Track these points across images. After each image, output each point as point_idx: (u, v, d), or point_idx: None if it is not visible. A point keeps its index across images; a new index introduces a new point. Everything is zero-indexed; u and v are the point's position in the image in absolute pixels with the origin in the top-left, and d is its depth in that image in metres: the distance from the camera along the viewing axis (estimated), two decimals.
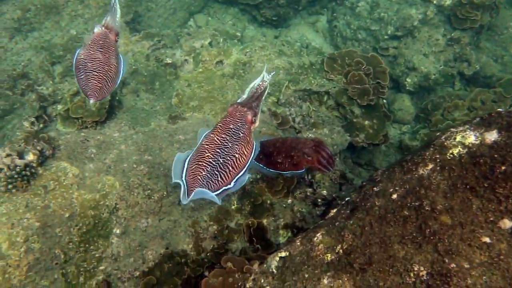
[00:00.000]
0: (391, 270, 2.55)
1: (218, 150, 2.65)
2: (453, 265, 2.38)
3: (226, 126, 2.74)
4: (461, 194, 2.55)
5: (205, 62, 5.49)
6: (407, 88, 6.20)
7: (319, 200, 4.31)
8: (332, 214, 3.21)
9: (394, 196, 2.83)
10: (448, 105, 5.57)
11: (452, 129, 2.81)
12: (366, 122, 5.33)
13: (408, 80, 6.17)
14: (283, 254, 3.11)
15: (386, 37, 6.36)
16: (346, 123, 5.38)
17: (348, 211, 3.03)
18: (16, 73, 5.55)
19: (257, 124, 2.86)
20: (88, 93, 2.92)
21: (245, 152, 2.76)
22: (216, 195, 2.60)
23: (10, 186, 3.72)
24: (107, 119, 4.62)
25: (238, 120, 2.75)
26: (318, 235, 2.99)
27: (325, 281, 2.72)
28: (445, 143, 2.76)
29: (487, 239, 2.37)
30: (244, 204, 4.12)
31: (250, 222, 3.95)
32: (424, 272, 2.45)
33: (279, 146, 3.57)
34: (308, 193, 4.31)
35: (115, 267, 3.75)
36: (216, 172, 2.62)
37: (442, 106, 5.70)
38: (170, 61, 5.47)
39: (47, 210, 3.74)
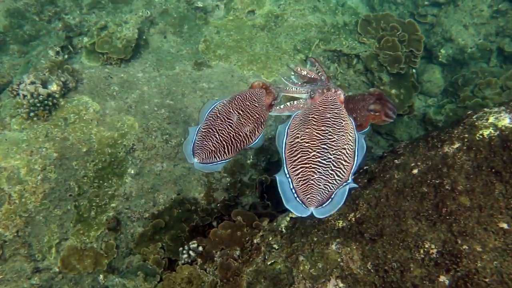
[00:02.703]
0: (401, 244, 2.53)
1: (324, 146, 2.27)
2: (465, 246, 2.35)
3: (322, 116, 2.36)
4: (484, 177, 2.48)
5: (237, 10, 5.33)
6: (440, 59, 5.96)
7: None
8: None
9: (415, 171, 2.77)
10: (480, 81, 5.34)
11: (486, 109, 2.70)
12: (393, 91, 5.19)
13: (442, 51, 5.92)
14: (294, 214, 3.11)
15: (426, 2, 6.06)
16: None
17: (365, 180, 2.99)
18: None
19: None
20: (196, 151, 2.49)
21: (351, 139, 2.37)
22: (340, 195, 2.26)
23: (32, 114, 3.74)
24: (132, 57, 4.56)
25: (333, 107, 2.39)
26: None
27: (334, 246, 2.72)
28: (476, 123, 2.67)
29: (504, 225, 2.32)
30: (260, 160, 4.11)
31: (263, 178, 3.95)
32: (435, 250, 2.43)
33: None
34: None
35: (126, 206, 3.81)
36: (331, 172, 2.26)
37: (474, 82, 5.48)
38: (201, 5, 5.32)
39: (65, 142, 3.77)
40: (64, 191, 3.68)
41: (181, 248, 3.35)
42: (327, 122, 2.34)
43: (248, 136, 2.58)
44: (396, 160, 2.94)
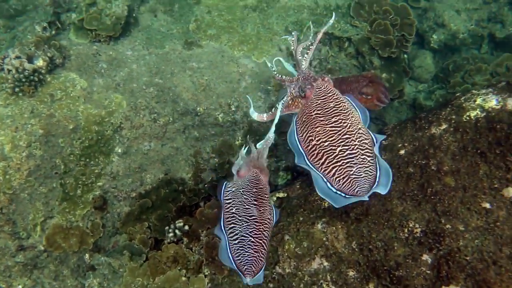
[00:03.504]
0: (386, 223, 2.54)
1: (345, 136, 2.23)
2: (448, 226, 2.37)
3: (326, 109, 2.30)
4: (470, 158, 2.50)
5: None
6: (432, 45, 5.94)
7: None
8: None
9: (402, 151, 2.78)
10: (471, 67, 5.35)
11: (473, 91, 2.70)
12: (384, 75, 5.17)
13: (434, 36, 5.90)
14: (281, 194, 3.12)
15: None
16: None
17: None
18: None
19: None
20: (245, 269, 2.37)
21: (356, 114, 2.35)
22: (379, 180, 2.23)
23: (17, 89, 3.67)
24: (121, 35, 4.49)
25: (331, 94, 2.36)
26: None
27: (319, 226, 2.73)
28: (464, 105, 2.67)
29: (487, 205, 2.34)
30: (249, 141, 4.08)
31: None
32: (419, 230, 2.45)
33: None
34: None
35: (113, 185, 3.78)
36: (362, 157, 2.21)
37: (464, 68, 5.48)
38: None
39: (51, 119, 3.72)
40: (49, 169, 3.64)
41: (167, 227, 3.35)
42: (334, 112, 2.26)
43: (271, 217, 2.55)
44: (383, 141, 2.94)
